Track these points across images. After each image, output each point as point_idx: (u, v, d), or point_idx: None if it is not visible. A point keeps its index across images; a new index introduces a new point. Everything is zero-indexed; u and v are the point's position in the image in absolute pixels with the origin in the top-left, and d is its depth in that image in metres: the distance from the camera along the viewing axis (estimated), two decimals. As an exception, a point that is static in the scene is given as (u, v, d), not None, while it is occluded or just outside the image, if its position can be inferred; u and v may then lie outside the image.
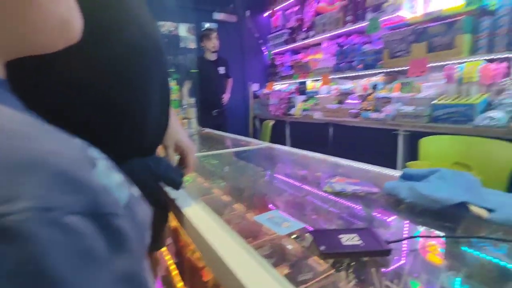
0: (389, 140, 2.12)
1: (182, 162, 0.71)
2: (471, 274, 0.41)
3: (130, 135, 0.53)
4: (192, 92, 2.96)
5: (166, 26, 3.38)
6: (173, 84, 2.58)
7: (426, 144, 1.75)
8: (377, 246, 0.44)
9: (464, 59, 1.91)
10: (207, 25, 3.53)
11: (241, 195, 0.79)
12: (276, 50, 3.81)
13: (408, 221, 0.57)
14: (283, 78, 3.69)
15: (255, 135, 3.82)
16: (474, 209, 0.50)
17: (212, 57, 2.97)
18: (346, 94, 2.83)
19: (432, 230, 0.53)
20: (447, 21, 1.95)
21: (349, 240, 0.45)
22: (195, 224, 0.52)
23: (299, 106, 3.12)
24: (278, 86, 3.86)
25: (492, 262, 0.43)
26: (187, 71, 2.96)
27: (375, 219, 0.59)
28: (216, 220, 0.54)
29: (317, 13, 3.15)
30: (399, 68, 2.32)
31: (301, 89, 3.35)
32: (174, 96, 2.52)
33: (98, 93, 0.46)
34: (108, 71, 0.47)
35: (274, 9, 3.66)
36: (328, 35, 3.01)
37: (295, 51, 3.71)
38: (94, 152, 0.20)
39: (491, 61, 1.84)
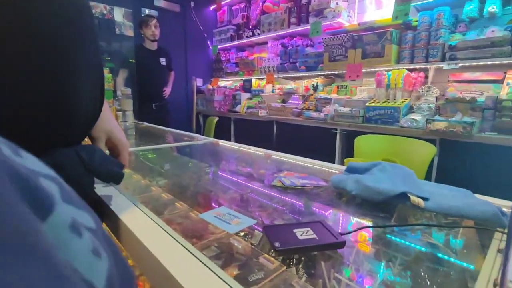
0: (328, 138, 2.25)
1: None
2: (413, 259, 0.42)
3: (55, 120, 0.41)
4: (128, 82, 2.68)
5: (98, 8, 3.00)
6: (106, 72, 2.30)
7: (360, 142, 1.90)
8: (332, 238, 0.42)
9: (392, 67, 2.13)
10: (146, 11, 3.26)
11: (184, 192, 0.71)
12: (222, 46, 3.73)
13: (356, 213, 0.58)
14: (228, 74, 3.63)
15: (199, 132, 3.69)
16: (413, 198, 0.53)
17: (152, 46, 2.74)
18: (289, 93, 2.92)
19: (378, 219, 0.54)
20: (378, 31, 2.15)
21: (304, 234, 0.43)
22: (129, 226, 0.44)
23: (244, 104, 3.10)
24: (223, 82, 3.79)
25: (431, 247, 0.45)
26: (123, 59, 2.67)
27: (326, 212, 0.58)
28: (154, 220, 0.46)
29: (263, 12, 3.18)
30: (338, 72, 2.48)
31: (246, 87, 3.34)
32: (107, 85, 2.25)
33: (16, 61, 0.34)
34: (30, 36, 0.35)
35: (221, 3, 3.58)
36: (274, 34, 3.06)
37: (241, 48, 3.69)
38: None
39: (411, 70, 2.09)
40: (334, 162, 2.23)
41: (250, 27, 3.30)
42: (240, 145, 1.27)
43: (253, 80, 3.35)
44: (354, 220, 0.55)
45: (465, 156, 1.60)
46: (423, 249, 0.45)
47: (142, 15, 2.98)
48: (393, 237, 0.48)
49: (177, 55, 3.58)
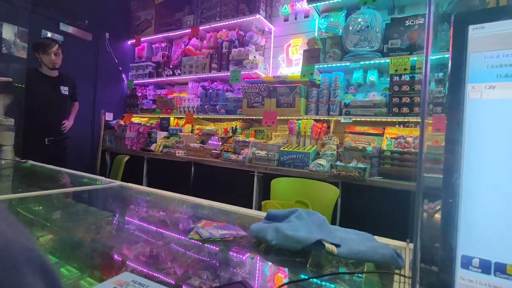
0: (246, 180, 2.28)
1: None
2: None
3: None
4: (13, 111, 2.21)
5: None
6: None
7: (276, 185, 1.98)
8: (254, 303, 0.38)
9: (301, 117, 2.40)
10: (48, 34, 2.89)
11: (75, 252, 0.56)
12: (139, 81, 3.55)
13: (277, 263, 0.55)
14: (144, 111, 3.42)
15: (104, 173, 3.23)
16: (328, 246, 0.55)
17: (51, 73, 2.38)
18: (209, 134, 2.91)
19: (297, 269, 0.53)
20: (290, 85, 2.43)
21: (223, 302, 0.37)
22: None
23: (160, 142, 2.93)
24: (138, 119, 3.54)
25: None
26: (7, 83, 2.21)
27: (246, 267, 0.54)
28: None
29: (185, 54, 3.23)
30: (255, 117, 2.64)
31: (164, 125, 3.19)
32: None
33: None
34: None
35: (140, 39, 3.49)
36: (195, 76, 3.10)
37: (160, 86, 3.58)
38: None
39: (317, 121, 2.40)
40: (252, 204, 2.25)
41: (171, 66, 3.28)
42: (153, 189, 1.14)
43: (171, 119, 3.24)
44: (276, 272, 0.53)
45: (361, 197, 1.84)
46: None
47: (42, 37, 2.62)
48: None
49: (84, 86, 3.21)
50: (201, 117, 3.00)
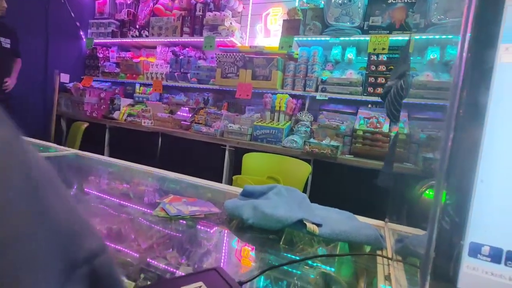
0: (217, 154, 2.20)
1: None
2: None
3: None
4: None
5: None
6: None
7: (247, 160, 1.94)
8: (231, 294, 0.32)
9: (277, 91, 2.32)
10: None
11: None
12: (100, 41, 3.18)
13: (253, 244, 0.50)
14: (106, 74, 3.11)
15: (59, 141, 2.94)
16: (309, 226, 0.50)
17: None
18: (178, 104, 2.74)
19: (279, 254, 0.49)
20: (267, 57, 2.32)
21: (194, 293, 0.31)
22: None
23: (125, 110, 2.70)
24: (99, 83, 3.22)
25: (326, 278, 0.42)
26: None
27: (221, 250, 0.48)
28: None
29: (154, 14, 2.93)
30: (229, 89, 2.52)
31: (128, 91, 2.95)
32: None
33: None
34: None
35: (101, -8, 3.08)
36: (164, 40, 2.85)
37: (124, 48, 3.25)
38: None
39: (293, 96, 2.34)
40: (222, 178, 2.19)
41: (137, 26, 2.97)
42: (114, 159, 1.02)
43: (137, 86, 2.99)
44: (254, 256, 0.48)
45: (332, 175, 1.87)
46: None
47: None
48: (290, 269, 0.43)
49: (33, 41, 2.80)
50: (170, 84, 2.80)
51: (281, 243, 0.51)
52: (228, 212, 0.57)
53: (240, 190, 0.69)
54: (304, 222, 0.51)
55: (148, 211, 0.57)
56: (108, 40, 3.14)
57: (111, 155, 2.68)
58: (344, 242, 0.52)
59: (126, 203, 0.64)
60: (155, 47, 3.03)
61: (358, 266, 0.48)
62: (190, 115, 2.55)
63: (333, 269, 0.46)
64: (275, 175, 1.80)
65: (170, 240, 0.48)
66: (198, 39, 2.65)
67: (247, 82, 2.36)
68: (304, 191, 1.91)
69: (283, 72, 2.35)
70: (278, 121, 2.26)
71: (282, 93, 2.31)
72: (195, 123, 2.41)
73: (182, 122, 2.50)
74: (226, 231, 0.54)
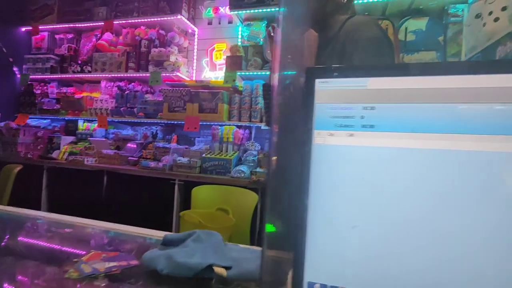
0: (167, 189, 2.17)
1: None
2: None
3: None
4: None
5: None
6: None
7: (196, 193, 1.95)
8: None
9: (224, 123, 2.41)
10: None
11: None
12: (37, 76, 3.03)
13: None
14: (44, 111, 2.93)
15: (-13, 185, 2.64)
16: (217, 269, 0.55)
17: None
18: (126, 140, 2.68)
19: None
20: (212, 91, 2.42)
21: None
22: None
23: (65, 149, 2.56)
24: (36, 120, 3.02)
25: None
26: None
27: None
28: None
29: (97, 49, 2.89)
30: (177, 122, 2.54)
31: (70, 129, 2.80)
32: None
33: None
34: None
35: (38, 27, 2.97)
36: (109, 75, 2.81)
37: (66, 83, 3.13)
38: None
39: (240, 127, 2.45)
40: (173, 214, 2.15)
41: (79, 62, 2.90)
42: (39, 212, 0.98)
43: (80, 122, 2.87)
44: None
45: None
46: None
47: None
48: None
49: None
50: (116, 120, 2.73)
51: None
52: (145, 264, 0.59)
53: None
54: (213, 267, 0.56)
55: (57, 276, 0.57)
56: (46, 76, 3.00)
57: (49, 199, 2.48)
58: (252, 281, 0.58)
59: (36, 266, 0.63)
60: (99, 82, 2.97)
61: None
62: (138, 150, 2.51)
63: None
64: (224, 206, 1.83)
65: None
66: (144, 74, 2.67)
67: (194, 115, 2.41)
68: (254, 219, 1.96)
69: (229, 104, 2.46)
70: (227, 151, 2.33)
71: (229, 125, 2.41)
72: (143, 158, 2.37)
73: (129, 158, 2.44)
74: (141, 284, 0.56)
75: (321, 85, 0.36)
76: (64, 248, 0.71)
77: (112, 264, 0.59)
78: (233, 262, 0.59)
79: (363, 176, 0.34)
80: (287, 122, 0.37)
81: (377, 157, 0.34)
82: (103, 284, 0.53)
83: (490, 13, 1.24)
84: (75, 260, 0.61)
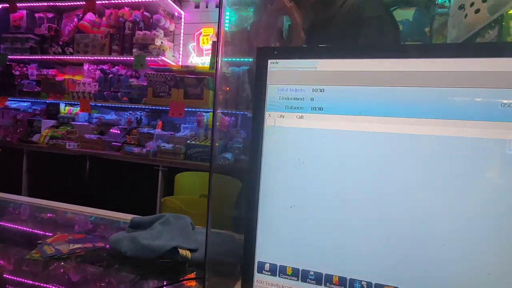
0: (150, 175, 2.16)
1: None
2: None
3: None
4: None
5: None
6: None
7: (180, 179, 1.94)
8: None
9: (209, 109, 2.38)
10: None
11: None
12: (15, 57, 2.91)
13: (125, 280, 0.54)
14: (24, 94, 2.83)
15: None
16: (182, 252, 0.56)
17: None
18: (109, 125, 2.63)
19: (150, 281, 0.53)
20: (198, 76, 2.38)
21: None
22: None
23: (46, 133, 2.49)
24: (16, 103, 2.92)
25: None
26: None
27: (90, 284, 0.50)
28: None
29: (79, 30, 2.79)
30: (162, 108, 2.50)
31: (51, 112, 2.73)
32: None
33: None
34: None
35: (16, 4, 2.83)
36: (91, 58, 2.72)
37: (47, 65, 3.02)
38: None
39: (225, 114, 2.43)
40: (156, 200, 2.15)
41: (61, 43, 2.79)
42: (5, 194, 0.96)
43: (62, 106, 2.79)
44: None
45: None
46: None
47: None
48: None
49: None
50: (99, 104, 2.67)
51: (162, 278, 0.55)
52: (110, 246, 0.59)
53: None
54: (178, 249, 0.56)
55: (18, 257, 0.56)
56: (26, 57, 2.88)
57: (30, 183, 2.43)
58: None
59: (1, 246, 0.62)
60: (81, 64, 2.87)
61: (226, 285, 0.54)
62: (122, 136, 2.47)
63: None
64: (207, 193, 1.83)
65: (42, 282, 0.49)
66: (129, 58, 2.60)
67: (179, 101, 2.37)
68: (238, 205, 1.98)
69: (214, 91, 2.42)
70: (212, 138, 2.31)
71: (214, 111, 2.38)
72: (127, 143, 2.34)
73: (112, 143, 2.40)
74: (105, 265, 0.56)
75: (272, 65, 0.36)
76: (30, 230, 0.70)
77: (76, 246, 0.59)
78: (200, 245, 0.59)
79: (310, 158, 0.34)
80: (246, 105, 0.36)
81: (325, 139, 0.34)
82: (63, 264, 0.53)
83: (472, 4, 1.25)
84: (39, 242, 0.61)
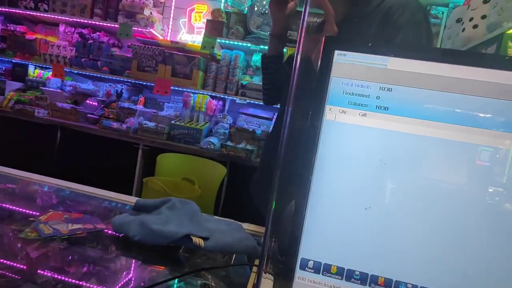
0: (129, 153, 2.05)
1: None
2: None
3: None
4: None
5: None
6: None
7: (162, 160, 1.87)
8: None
9: (197, 90, 2.30)
10: None
11: None
12: (-22, 6, 2.56)
13: (135, 266, 0.50)
14: (-14, 50, 2.53)
15: None
16: (195, 240, 0.53)
17: None
18: (85, 95, 2.44)
19: (155, 266, 0.50)
20: (188, 55, 2.27)
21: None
22: None
23: (11, 96, 2.26)
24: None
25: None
26: None
27: (100, 278, 0.46)
28: None
29: (57, -14, 2.51)
30: (146, 83, 2.37)
31: (17, 73, 2.47)
32: None
33: None
34: None
35: None
36: (69, 19, 2.48)
37: (15, 20, 2.70)
38: None
39: (213, 97, 2.36)
40: (133, 180, 2.06)
41: (34, -3, 2.50)
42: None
43: (31, 68, 2.53)
44: (138, 274, 0.48)
45: (246, 177, 1.96)
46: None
47: None
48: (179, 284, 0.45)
49: None
50: (75, 71, 2.46)
51: (177, 266, 0.52)
52: (115, 229, 0.55)
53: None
54: (191, 236, 0.53)
55: (11, 235, 0.50)
56: (-10, 7, 2.55)
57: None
58: (227, 253, 0.57)
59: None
60: (56, 25, 2.61)
61: (236, 277, 0.53)
62: (99, 108, 2.30)
63: (217, 282, 0.50)
64: (191, 176, 1.79)
65: (35, 273, 0.44)
66: (113, 25, 2.40)
67: (166, 78, 2.26)
68: (219, 192, 1.96)
69: (204, 72, 2.34)
70: (198, 121, 2.24)
71: (202, 93, 2.30)
72: (105, 117, 2.19)
73: (88, 115, 2.24)
74: (111, 249, 0.52)
75: (339, 57, 0.34)
76: (16, 207, 0.63)
77: (76, 226, 0.54)
78: (209, 233, 0.57)
79: (370, 158, 0.33)
80: (300, 94, 0.34)
81: (388, 141, 0.33)
82: (64, 247, 0.48)
83: (471, 19, 1.30)
84: (32, 219, 0.54)
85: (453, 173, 0.32)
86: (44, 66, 2.49)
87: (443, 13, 2.07)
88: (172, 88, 2.23)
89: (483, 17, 1.24)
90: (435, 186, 0.32)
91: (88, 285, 0.42)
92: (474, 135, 0.31)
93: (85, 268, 0.45)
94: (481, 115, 0.31)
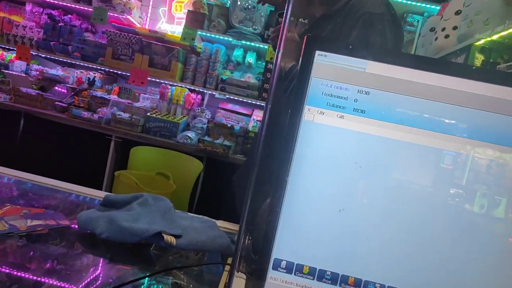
0: (100, 145, 1.96)
1: None
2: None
3: None
4: None
5: None
6: None
7: (136, 153, 1.80)
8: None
9: (175, 83, 2.23)
10: None
11: None
12: None
13: (101, 265, 0.48)
14: None
15: None
16: (167, 237, 0.52)
17: None
18: (52, 80, 2.29)
19: (124, 265, 0.48)
20: (167, 45, 2.19)
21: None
22: None
23: (-32, 78, 2.06)
24: None
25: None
26: None
27: (65, 275, 0.43)
28: None
29: (24, -38, 2.32)
30: (121, 72, 2.26)
31: (-23, 54, 2.26)
32: None
33: None
34: None
35: None
36: (38, -2, 2.31)
37: (-26, -5, 2.47)
38: None
39: (192, 91, 2.31)
40: (104, 174, 1.97)
41: (-3, -29, 2.29)
42: None
43: (-8, 48, 2.33)
44: (104, 273, 0.45)
45: (223, 173, 1.94)
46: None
47: None
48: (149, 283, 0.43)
49: None
50: (43, 55, 2.30)
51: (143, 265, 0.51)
52: (80, 226, 0.52)
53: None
54: (163, 234, 0.52)
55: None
56: None
57: None
58: (200, 251, 0.56)
59: None
60: (23, 4, 2.41)
61: (208, 276, 0.52)
62: (69, 96, 2.17)
63: (187, 281, 0.49)
64: (166, 171, 1.74)
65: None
66: (86, 8, 2.27)
67: (143, 69, 2.17)
68: (195, 188, 1.92)
69: (184, 64, 2.28)
70: (175, 114, 2.18)
71: (181, 86, 2.24)
72: (75, 106, 2.07)
73: (56, 102, 2.10)
74: (75, 247, 0.49)
75: (320, 58, 0.34)
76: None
77: (36, 222, 0.50)
78: (182, 231, 0.55)
79: (347, 161, 0.34)
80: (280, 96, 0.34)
81: (363, 144, 0.33)
82: (23, 244, 0.45)
83: (443, 29, 1.37)
84: (-17, 214, 0.50)
85: (420, 176, 0.33)
86: (7, 47, 2.30)
87: (418, 21, 2.16)
88: (149, 79, 2.15)
89: (455, 28, 1.31)
90: (405, 188, 0.33)
91: (50, 282, 0.39)
92: (441, 140, 0.32)
93: (47, 265, 0.43)
94: (447, 121, 0.32)
